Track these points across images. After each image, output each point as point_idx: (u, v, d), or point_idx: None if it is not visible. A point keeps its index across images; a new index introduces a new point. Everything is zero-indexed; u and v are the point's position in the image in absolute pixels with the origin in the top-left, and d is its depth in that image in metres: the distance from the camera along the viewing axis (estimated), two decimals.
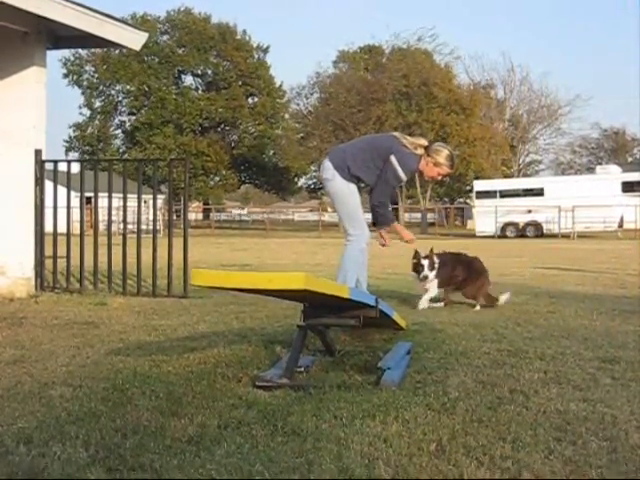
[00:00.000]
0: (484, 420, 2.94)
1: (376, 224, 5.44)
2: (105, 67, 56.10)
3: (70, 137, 58.29)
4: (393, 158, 5.14)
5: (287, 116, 57.30)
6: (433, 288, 6.51)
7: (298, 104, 54.63)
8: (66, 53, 53.73)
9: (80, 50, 45.88)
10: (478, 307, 6.48)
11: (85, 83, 57.73)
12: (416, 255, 6.46)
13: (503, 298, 6.62)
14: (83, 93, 58.02)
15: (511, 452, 2.56)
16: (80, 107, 58.76)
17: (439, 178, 5.53)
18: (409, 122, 46.63)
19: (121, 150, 58.78)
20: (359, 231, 5.25)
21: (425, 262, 6.39)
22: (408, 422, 2.90)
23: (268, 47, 59.68)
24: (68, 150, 57.37)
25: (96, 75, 57.45)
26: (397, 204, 49.93)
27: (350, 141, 6.02)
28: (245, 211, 64.86)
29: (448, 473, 2.38)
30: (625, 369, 3.90)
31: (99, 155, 53.66)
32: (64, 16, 6.44)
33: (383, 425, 2.86)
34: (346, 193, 5.28)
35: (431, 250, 6.48)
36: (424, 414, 3.00)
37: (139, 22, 52.03)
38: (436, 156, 5.31)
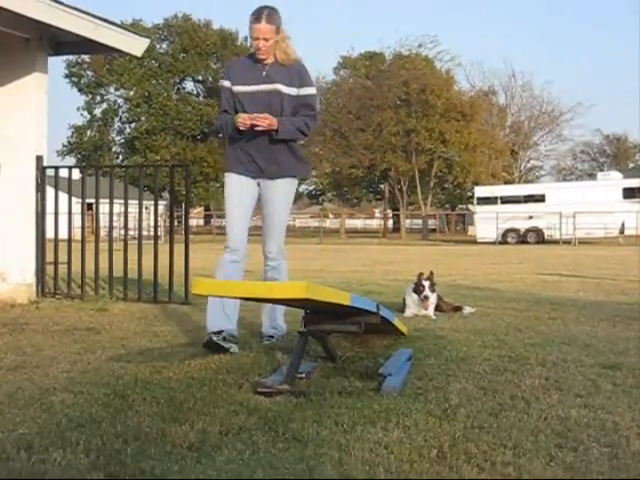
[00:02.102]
0: (485, 426, 2.93)
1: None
2: (106, 71, 56.20)
3: (69, 142, 58.39)
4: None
5: None
6: (431, 310, 6.33)
7: None
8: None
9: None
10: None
11: (85, 88, 57.88)
12: (418, 278, 6.43)
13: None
14: (82, 95, 58.20)
15: (512, 458, 2.56)
16: (79, 109, 58.92)
17: (267, 42, 4.48)
18: (408, 129, 46.67)
19: (120, 157, 58.83)
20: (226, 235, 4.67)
21: (426, 283, 6.32)
22: (409, 428, 2.89)
23: None
24: (67, 154, 57.43)
25: (95, 80, 57.61)
26: (398, 210, 50.21)
27: None
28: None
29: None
30: (626, 375, 3.89)
31: (98, 161, 53.69)
32: (66, 22, 6.46)
33: (384, 431, 2.86)
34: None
35: (431, 273, 6.46)
36: (425, 420, 3.00)
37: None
38: None
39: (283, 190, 4.67)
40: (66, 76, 56.94)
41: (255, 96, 4.52)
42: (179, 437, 2.77)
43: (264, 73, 4.54)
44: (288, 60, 4.58)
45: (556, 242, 33.58)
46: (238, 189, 4.62)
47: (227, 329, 4.43)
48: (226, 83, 4.63)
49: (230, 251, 4.54)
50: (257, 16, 4.42)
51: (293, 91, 4.56)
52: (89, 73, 57.80)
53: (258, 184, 4.65)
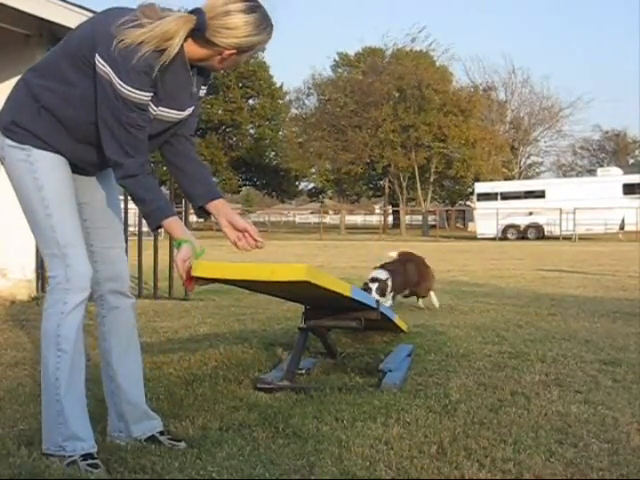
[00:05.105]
0: (485, 422, 2.94)
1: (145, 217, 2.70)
2: None
3: None
4: (99, 58, 2.36)
5: (287, 119, 57.25)
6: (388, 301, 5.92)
7: (296, 107, 54.84)
8: None
9: None
10: (437, 303, 6.51)
11: None
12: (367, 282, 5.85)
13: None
14: None
15: (512, 454, 2.56)
16: None
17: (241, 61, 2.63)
18: (406, 124, 46.60)
19: None
20: (56, 270, 2.59)
21: (373, 285, 5.66)
22: (409, 424, 2.90)
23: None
24: None
25: None
26: (398, 206, 50.18)
27: None
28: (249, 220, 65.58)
29: (449, 475, 2.38)
30: (626, 371, 3.90)
31: None
32: (66, 19, 6.44)
33: (384, 427, 2.86)
34: (19, 180, 2.70)
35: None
36: (425, 416, 3.00)
37: None
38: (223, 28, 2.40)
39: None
40: None
41: (169, 120, 2.62)
42: (179, 433, 2.78)
43: (194, 88, 2.70)
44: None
45: (556, 238, 33.55)
46: (66, 178, 2.68)
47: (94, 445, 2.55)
48: (146, 95, 2.42)
49: (80, 290, 2.62)
50: (266, 26, 2.52)
51: None
52: None
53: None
